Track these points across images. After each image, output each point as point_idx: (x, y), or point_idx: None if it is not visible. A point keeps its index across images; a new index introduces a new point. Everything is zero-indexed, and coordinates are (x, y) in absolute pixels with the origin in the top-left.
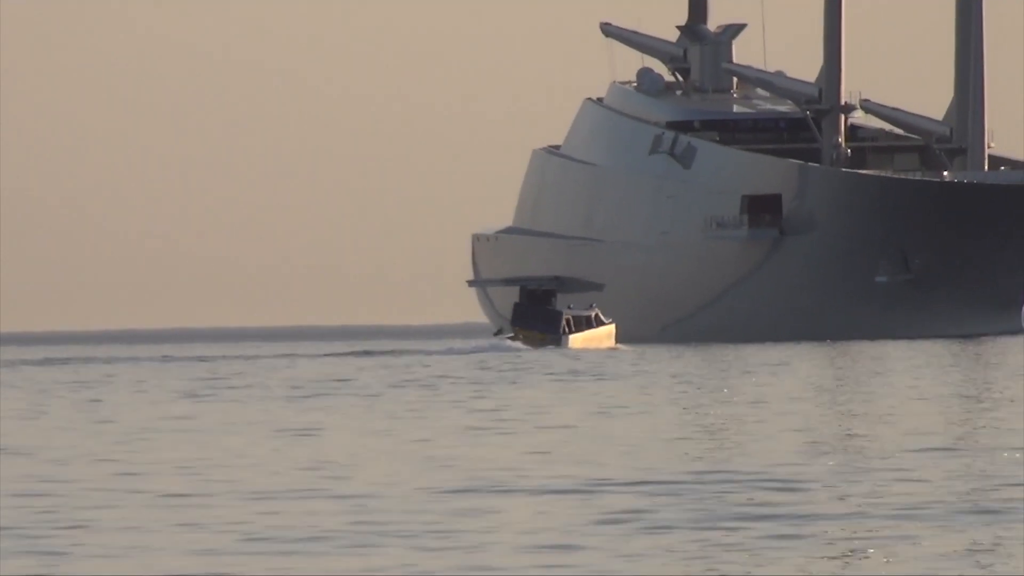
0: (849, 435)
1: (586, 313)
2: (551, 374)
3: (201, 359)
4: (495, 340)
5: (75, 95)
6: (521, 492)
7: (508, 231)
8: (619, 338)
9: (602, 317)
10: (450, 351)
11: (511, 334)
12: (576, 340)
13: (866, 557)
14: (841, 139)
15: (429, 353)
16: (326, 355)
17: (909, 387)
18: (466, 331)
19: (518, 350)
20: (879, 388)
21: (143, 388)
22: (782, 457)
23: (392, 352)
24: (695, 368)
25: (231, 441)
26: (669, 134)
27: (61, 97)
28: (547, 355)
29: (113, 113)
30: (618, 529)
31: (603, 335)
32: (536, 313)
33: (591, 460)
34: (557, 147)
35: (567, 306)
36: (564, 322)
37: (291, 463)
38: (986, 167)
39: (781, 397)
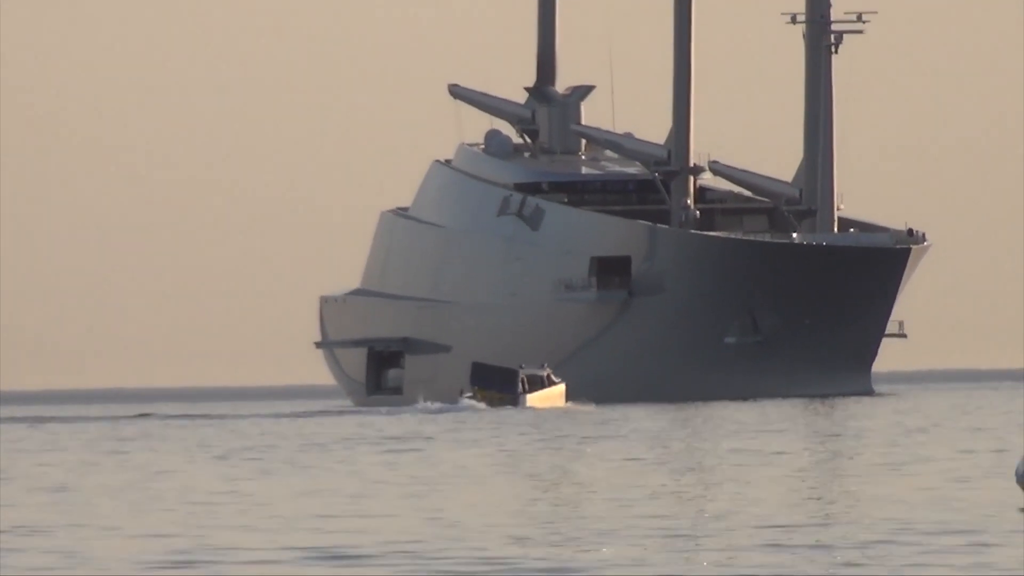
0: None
1: (539, 373)
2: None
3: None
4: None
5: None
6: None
7: (356, 293)
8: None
9: (553, 377)
10: (415, 410)
11: (470, 394)
12: (534, 399)
13: None
14: (690, 201)
15: (400, 414)
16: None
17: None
18: (313, 393)
19: (480, 409)
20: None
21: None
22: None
23: (344, 411)
24: (536, 432)
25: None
26: (517, 196)
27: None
28: (506, 414)
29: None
30: None
31: (556, 395)
32: (494, 374)
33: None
34: (405, 209)
35: (519, 366)
36: (521, 382)
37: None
38: (835, 229)
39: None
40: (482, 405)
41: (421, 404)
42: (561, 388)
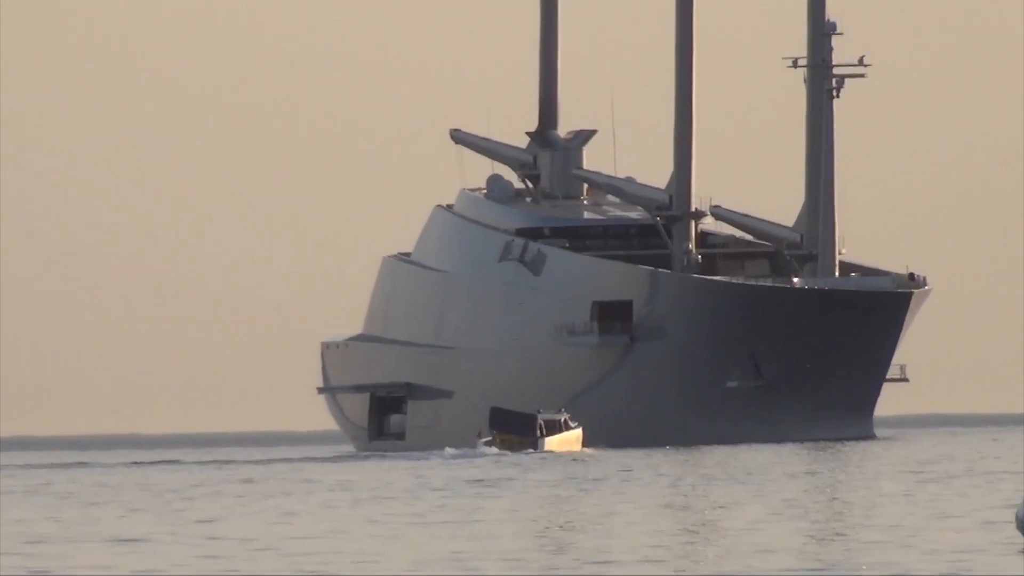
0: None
1: (557, 417)
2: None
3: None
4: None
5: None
6: None
7: (358, 338)
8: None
9: (570, 422)
10: (433, 457)
11: (488, 438)
12: (552, 443)
13: None
14: (692, 245)
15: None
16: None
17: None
18: (317, 439)
19: (502, 454)
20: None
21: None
22: None
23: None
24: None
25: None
26: (519, 241)
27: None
28: (527, 460)
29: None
30: None
31: (573, 439)
32: (512, 418)
33: None
34: (407, 254)
35: (537, 410)
36: (539, 426)
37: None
38: (836, 273)
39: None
40: (501, 449)
41: (449, 451)
42: (578, 432)
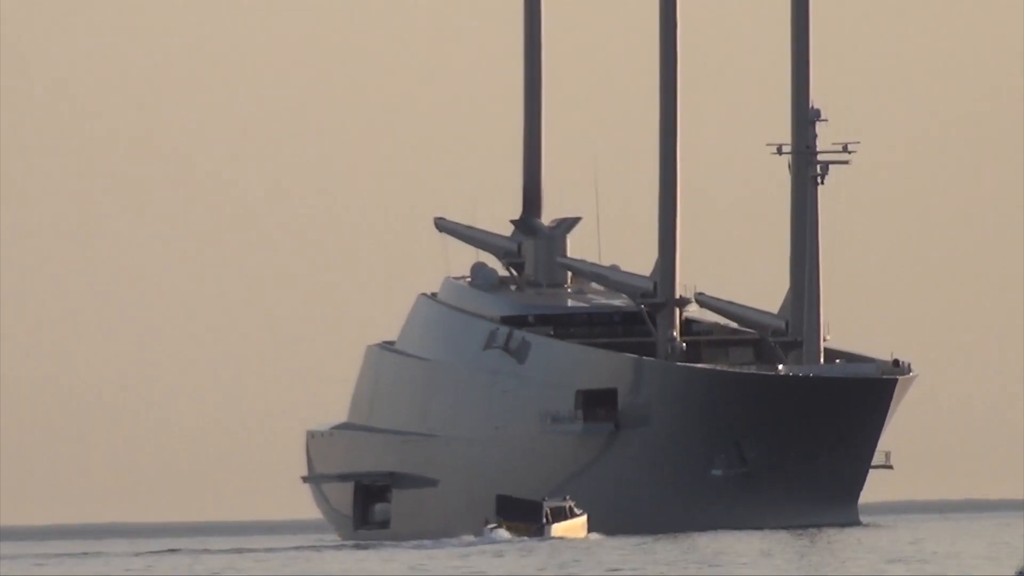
0: None
1: (562, 504)
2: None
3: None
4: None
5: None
6: None
7: (343, 427)
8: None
9: (575, 509)
10: (443, 544)
11: (494, 525)
12: (558, 529)
13: None
14: (676, 333)
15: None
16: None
17: None
18: (301, 528)
19: (509, 540)
20: None
21: None
22: None
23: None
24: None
25: None
26: (503, 329)
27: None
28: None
29: None
30: None
31: (578, 525)
32: (519, 505)
33: None
34: (392, 343)
35: (542, 498)
36: (544, 513)
37: None
38: (821, 360)
39: None
40: (508, 535)
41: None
42: (583, 519)
